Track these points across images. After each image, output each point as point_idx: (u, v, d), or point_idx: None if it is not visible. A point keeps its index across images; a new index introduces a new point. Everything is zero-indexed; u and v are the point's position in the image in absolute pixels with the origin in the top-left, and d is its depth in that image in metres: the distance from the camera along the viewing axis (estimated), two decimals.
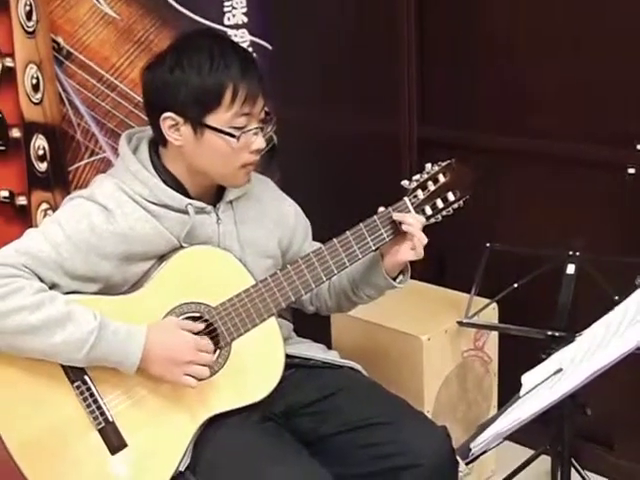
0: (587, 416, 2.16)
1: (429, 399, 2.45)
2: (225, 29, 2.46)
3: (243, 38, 2.48)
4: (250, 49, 2.46)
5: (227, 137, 1.71)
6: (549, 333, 2.22)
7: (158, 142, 1.79)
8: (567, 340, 1.96)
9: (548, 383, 1.54)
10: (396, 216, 1.82)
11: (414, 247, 1.82)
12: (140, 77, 1.78)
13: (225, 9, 2.47)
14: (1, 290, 1.61)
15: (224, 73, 1.69)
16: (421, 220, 1.84)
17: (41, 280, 1.67)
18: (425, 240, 1.83)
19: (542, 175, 2.67)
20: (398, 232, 1.84)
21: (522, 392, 1.57)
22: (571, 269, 2.28)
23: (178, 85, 1.69)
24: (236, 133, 1.71)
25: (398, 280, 1.92)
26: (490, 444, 1.55)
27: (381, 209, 1.85)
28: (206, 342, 1.72)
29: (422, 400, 2.43)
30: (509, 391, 1.63)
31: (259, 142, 1.75)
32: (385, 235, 1.83)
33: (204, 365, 1.71)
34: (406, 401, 1.91)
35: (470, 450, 1.54)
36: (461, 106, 2.84)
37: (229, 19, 2.48)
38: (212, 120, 1.71)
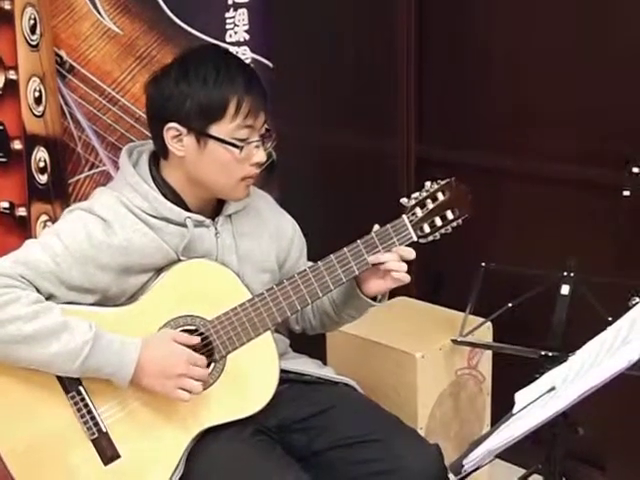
0: (579, 436, 2.17)
1: (422, 416, 2.46)
2: (227, 46, 2.48)
3: (245, 55, 2.51)
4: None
5: (230, 147, 1.73)
6: (543, 353, 2.23)
7: (159, 154, 1.81)
8: (561, 360, 1.96)
9: (541, 401, 1.55)
10: (371, 259, 1.81)
11: (396, 277, 1.82)
12: (144, 89, 1.80)
13: (227, 26, 2.50)
14: None
15: (229, 85, 1.71)
16: (395, 255, 1.82)
17: (38, 291, 1.68)
18: (404, 268, 1.81)
19: (538, 195, 2.69)
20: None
21: (515, 410, 1.58)
22: (565, 289, 2.29)
23: (183, 96, 1.72)
24: (238, 143, 1.73)
25: (378, 299, 1.92)
26: (482, 461, 1.55)
27: (376, 227, 1.85)
28: (200, 356, 1.73)
29: (415, 417, 2.43)
30: (502, 410, 1.63)
31: (260, 155, 1.77)
32: (368, 260, 1.81)
33: (197, 379, 1.71)
34: (399, 418, 1.92)
35: (463, 466, 1.54)
36: (458, 126, 2.86)
37: (231, 36, 2.51)
38: (215, 131, 1.73)
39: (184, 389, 1.70)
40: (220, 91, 1.71)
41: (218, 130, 1.73)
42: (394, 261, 1.81)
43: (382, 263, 1.81)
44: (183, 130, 1.73)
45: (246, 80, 1.73)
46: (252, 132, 1.75)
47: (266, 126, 1.79)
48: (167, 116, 1.74)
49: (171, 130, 1.74)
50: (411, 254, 1.83)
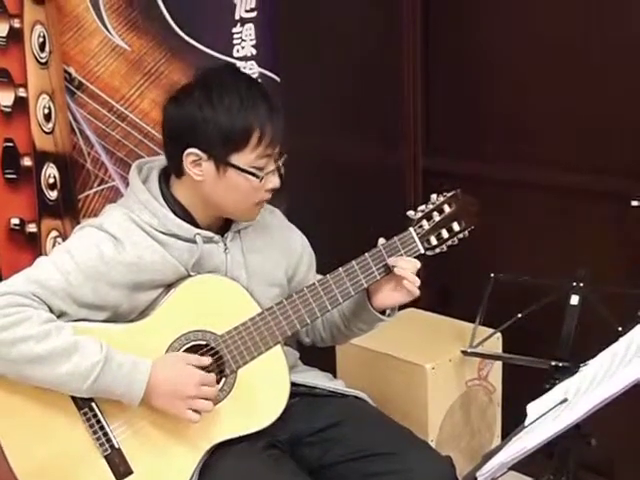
0: (591, 447, 2.16)
1: (433, 428, 2.46)
2: (234, 61, 2.50)
3: (252, 70, 2.52)
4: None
5: (250, 177, 1.74)
6: (553, 363, 2.23)
7: (172, 172, 1.81)
8: (571, 370, 1.97)
9: (553, 413, 1.55)
10: (390, 261, 1.83)
11: (408, 290, 1.83)
12: (163, 109, 1.79)
13: (234, 41, 2.51)
14: (9, 319, 1.63)
15: (253, 115, 1.71)
16: (415, 264, 1.83)
17: (50, 308, 1.68)
18: (418, 282, 1.82)
19: (546, 206, 2.69)
20: (389, 270, 1.84)
21: (527, 422, 1.58)
22: (575, 300, 2.29)
23: (206, 123, 1.70)
24: (258, 173, 1.74)
25: (387, 313, 1.92)
26: (496, 473, 1.55)
27: (381, 240, 1.86)
28: (211, 377, 1.73)
29: (426, 429, 2.44)
30: (513, 421, 1.63)
31: (275, 181, 1.78)
32: (377, 273, 1.83)
33: (208, 399, 1.71)
34: (411, 431, 1.91)
35: (476, 479, 1.54)
36: (465, 137, 2.87)
37: (238, 51, 2.52)
38: (236, 159, 1.72)
39: (195, 409, 1.70)
40: (244, 120, 1.70)
41: (239, 159, 1.73)
42: (410, 270, 1.81)
43: (399, 268, 1.81)
44: (203, 156, 1.73)
45: (268, 109, 1.73)
46: (269, 160, 1.76)
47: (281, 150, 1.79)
48: (188, 141, 1.73)
49: (191, 155, 1.73)
50: (417, 265, 1.83)
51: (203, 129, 1.71)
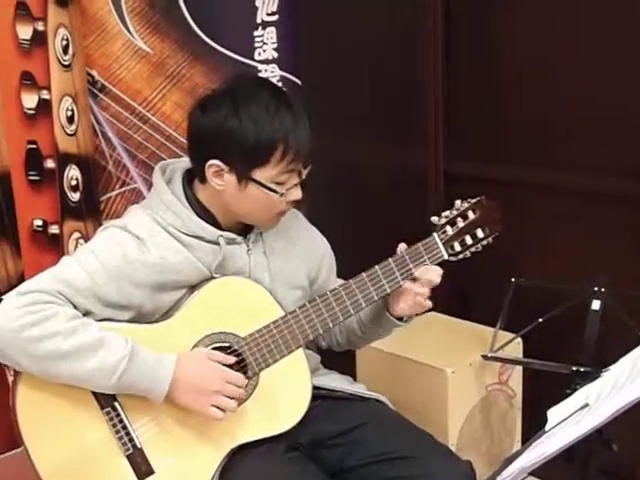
0: (613, 452, 2.15)
1: (453, 433, 2.45)
2: (255, 64, 2.51)
3: (273, 73, 2.53)
4: (280, 84, 2.51)
5: (270, 193, 1.74)
6: (574, 368, 2.22)
7: (196, 177, 1.82)
8: (592, 376, 1.95)
9: (574, 418, 1.54)
10: (418, 273, 1.83)
11: (423, 304, 1.85)
12: (189, 114, 1.79)
13: (256, 44, 2.53)
14: (36, 316, 1.64)
15: (277, 130, 1.70)
16: (439, 272, 1.84)
17: (75, 307, 1.70)
18: (427, 292, 1.84)
19: (568, 209, 2.68)
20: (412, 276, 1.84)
21: (548, 427, 1.57)
22: (596, 305, 2.28)
23: (232, 137, 1.70)
24: (279, 189, 1.74)
25: (404, 319, 1.92)
26: (516, 478, 1.55)
27: (402, 245, 1.85)
28: (236, 375, 1.73)
29: (446, 433, 2.43)
30: (533, 426, 1.62)
31: (297, 194, 1.78)
32: (400, 279, 1.83)
33: (232, 397, 1.72)
34: (431, 435, 1.91)
35: None
36: (487, 140, 2.86)
37: (259, 54, 2.53)
38: (258, 175, 1.72)
39: (218, 407, 1.71)
40: (268, 135, 1.70)
41: (261, 174, 1.72)
42: (420, 285, 1.82)
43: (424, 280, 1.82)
44: (225, 168, 1.73)
45: (293, 125, 1.72)
46: (292, 175, 1.75)
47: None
48: (211, 151, 1.73)
49: (213, 166, 1.74)
50: (439, 273, 1.84)
51: (227, 142, 1.71)
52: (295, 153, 1.72)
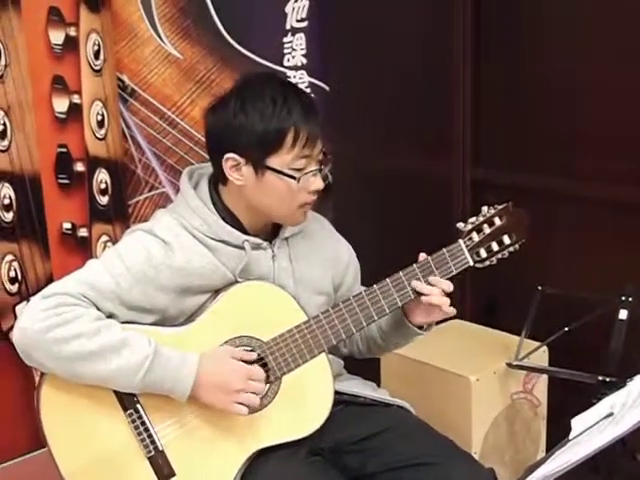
0: (637, 462, 2.14)
1: (477, 440, 2.44)
2: (284, 70, 2.52)
3: (302, 79, 2.54)
4: (308, 90, 2.52)
5: (287, 179, 1.75)
6: (600, 378, 2.20)
7: (218, 180, 1.84)
8: (619, 385, 1.94)
9: (598, 427, 1.53)
10: (414, 285, 1.81)
11: (443, 311, 1.83)
12: (203, 118, 1.83)
13: (285, 50, 2.54)
14: (61, 317, 1.66)
15: (286, 118, 1.72)
16: (441, 285, 1.82)
17: (99, 310, 1.71)
18: (447, 301, 1.81)
19: (595, 219, 2.66)
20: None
21: (572, 435, 1.56)
22: (623, 314, 2.26)
23: (241, 129, 1.73)
24: (296, 175, 1.75)
25: (424, 328, 1.91)
26: None
27: (422, 255, 1.83)
28: (258, 370, 1.74)
29: (470, 441, 2.42)
30: (558, 436, 1.61)
31: (317, 183, 1.79)
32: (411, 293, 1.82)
33: (255, 394, 1.73)
34: (454, 442, 1.90)
35: None
36: (514, 148, 2.85)
37: (288, 60, 2.54)
38: (273, 162, 1.74)
39: (242, 404, 1.71)
40: (277, 123, 1.72)
41: (275, 161, 1.74)
42: (436, 295, 1.81)
43: (424, 295, 1.81)
44: (241, 160, 1.75)
45: (303, 111, 1.74)
46: (309, 161, 1.76)
47: (323, 150, 1.81)
48: (226, 146, 1.76)
49: (229, 160, 1.76)
50: (450, 287, 1.82)
51: (238, 135, 1.74)
52: (307, 136, 1.73)
